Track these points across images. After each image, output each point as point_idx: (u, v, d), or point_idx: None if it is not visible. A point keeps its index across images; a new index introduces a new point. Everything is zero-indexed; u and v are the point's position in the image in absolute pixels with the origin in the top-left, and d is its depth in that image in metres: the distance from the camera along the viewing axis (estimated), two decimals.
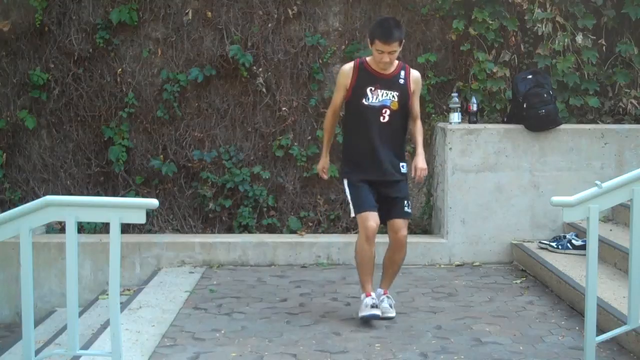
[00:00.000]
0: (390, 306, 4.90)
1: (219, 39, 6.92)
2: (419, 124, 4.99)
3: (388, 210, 4.84)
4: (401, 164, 4.87)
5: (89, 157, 7.02)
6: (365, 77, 4.74)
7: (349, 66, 4.84)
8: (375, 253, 4.85)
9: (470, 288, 5.64)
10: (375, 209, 4.76)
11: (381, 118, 4.73)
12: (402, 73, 4.79)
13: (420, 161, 4.89)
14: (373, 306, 4.70)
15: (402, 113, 4.81)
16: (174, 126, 6.98)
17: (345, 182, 4.87)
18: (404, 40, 4.73)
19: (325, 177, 5.14)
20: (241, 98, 6.96)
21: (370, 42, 4.68)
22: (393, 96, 4.73)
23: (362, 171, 4.80)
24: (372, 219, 4.72)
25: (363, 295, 4.81)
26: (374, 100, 4.72)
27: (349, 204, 4.86)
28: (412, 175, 4.87)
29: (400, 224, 4.83)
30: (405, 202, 4.86)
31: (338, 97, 4.89)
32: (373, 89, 4.72)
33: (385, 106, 4.72)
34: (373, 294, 4.79)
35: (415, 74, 4.86)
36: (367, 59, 4.81)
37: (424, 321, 4.82)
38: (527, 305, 5.15)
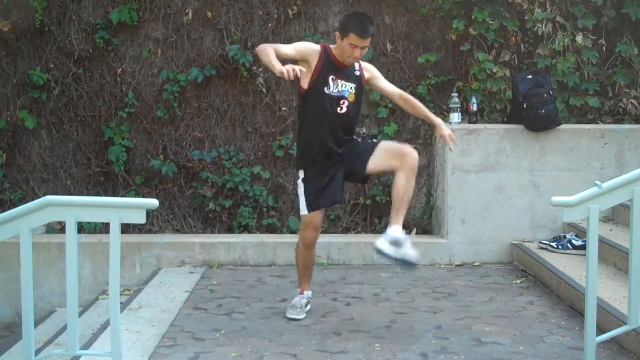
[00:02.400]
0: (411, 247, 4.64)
1: (219, 39, 6.93)
2: (409, 97, 4.90)
3: (357, 159, 4.69)
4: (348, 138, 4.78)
5: (89, 157, 7.02)
6: (329, 65, 4.64)
7: (316, 47, 4.67)
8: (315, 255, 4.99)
9: (470, 288, 5.64)
10: (323, 202, 4.71)
11: (338, 109, 4.66)
12: (357, 65, 4.75)
13: (444, 128, 4.80)
14: (296, 307, 4.87)
15: (357, 104, 4.76)
16: (174, 126, 6.98)
17: (301, 173, 4.76)
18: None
19: (291, 75, 4.33)
20: (241, 98, 6.96)
21: (343, 34, 4.55)
22: (351, 87, 4.69)
23: (316, 163, 4.70)
24: (314, 225, 4.72)
25: (299, 292, 5.00)
26: (334, 90, 4.64)
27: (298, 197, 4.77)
28: (440, 142, 4.71)
29: (389, 146, 4.70)
30: (369, 141, 4.77)
31: (288, 53, 4.60)
32: (334, 77, 4.65)
33: (343, 97, 4.66)
34: (306, 293, 4.98)
35: (365, 64, 4.83)
36: (331, 46, 4.70)
37: (424, 321, 4.82)
38: (527, 305, 5.15)
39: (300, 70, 4.37)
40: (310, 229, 4.75)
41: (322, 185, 4.72)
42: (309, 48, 4.70)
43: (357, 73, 4.75)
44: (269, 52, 4.51)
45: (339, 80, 4.66)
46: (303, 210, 4.75)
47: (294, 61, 4.63)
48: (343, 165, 4.76)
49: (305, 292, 4.99)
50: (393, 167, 4.63)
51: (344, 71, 4.68)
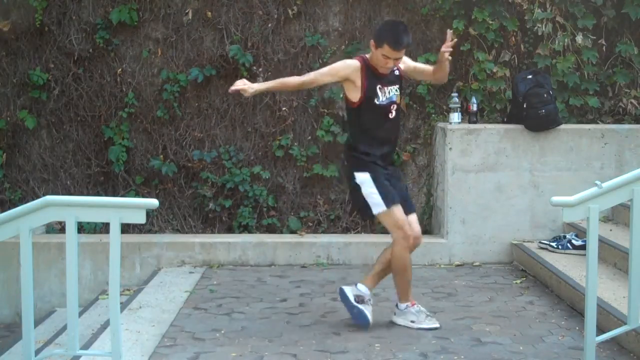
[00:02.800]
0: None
1: (219, 39, 6.93)
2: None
3: (402, 202, 4.67)
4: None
5: (89, 157, 7.02)
6: (372, 77, 4.61)
7: (355, 64, 4.62)
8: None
9: (470, 288, 5.64)
10: (397, 201, 4.59)
11: (390, 115, 4.66)
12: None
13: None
14: (429, 315, 4.70)
15: (400, 102, 4.79)
16: (174, 126, 6.98)
17: (368, 175, 4.58)
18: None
19: (234, 89, 4.51)
20: (241, 98, 6.95)
21: (378, 45, 4.52)
22: (396, 90, 4.69)
23: (381, 165, 4.65)
24: (408, 222, 4.60)
25: (407, 305, 4.74)
26: (383, 99, 4.63)
27: (365, 202, 4.58)
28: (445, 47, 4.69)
29: (415, 223, 4.72)
30: (409, 194, 4.79)
31: (326, 80, 4.71)
32: (381, 87, 4.63)
33: (392, 102, 4.66)
34: (416, 303, 4.77)
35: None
36: (367, 56, 4.68)
37: None
38: (527, 305, 5.15)
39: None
40: (405, 224, 4.57)
41: (388, 183, 4.64)
42: (347, 67, 4.62)
43: (397, 72, 4.73)
44: (282, 79, 4.75)
45: (385, 88, 4.64)
46: (379, 206, 4.54)
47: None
48: (402, 189, 4.78)
49: (415, 303, 4.76)
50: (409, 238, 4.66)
51: (386, 77, 4.65)
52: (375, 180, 4.57)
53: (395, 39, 4.50)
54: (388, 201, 4.55)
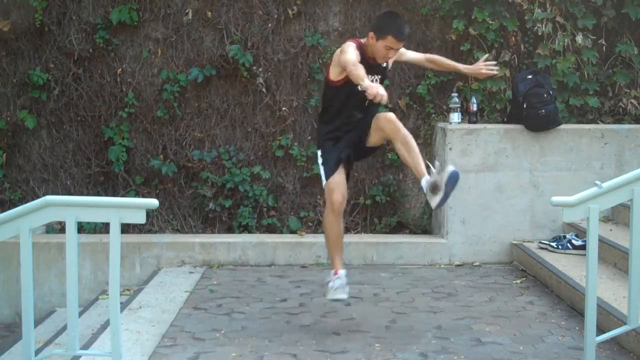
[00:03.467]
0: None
1: (219, 39, 6.93)
2: (434, 56, 5.07)
3: (365, 128, 4.78)
4: None
5: (89, 157, 7.02)
6: (363, 61, 4.64)
7: (353, 44, 4.67)
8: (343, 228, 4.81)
9: (470, 288, 5.64)
10: (342, 165, 4.73)
11: (366, 102, 4.65)
12: None
13: (473, 67, 5.10)
14: (338, 288, 4.67)
15: None
16: (174, 126, 6.98)
17: (319, 152, 4.84)
18: None
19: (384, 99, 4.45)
20: (241, 98, 6.96)
21: (379, 36, 4.59)
22: (376, 79, 4.75)
23: (334, 127, 4.81)
24: (338, 188, 4.66)
25: (332, 274, 4.74)
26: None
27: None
28: (482, 69, 4.96)
29: (387, 118, 4.71)
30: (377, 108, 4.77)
31: (354, 56, 4.58)
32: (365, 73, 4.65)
33: None
34: (341, 272, 4.72)
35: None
36: (362, 41, 4.75)
37: (424, 321, 4.82)
38: (527, 305, 5.15)
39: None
40: (336, 192, 4.66)
41: (337, 150, 4.77)
42: (353, 48, 4.64)
43: (384, 64, 4.81)
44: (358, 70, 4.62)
45: (369, 76, 4.62)
46: (324, 178, 4.75)
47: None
48: (355, 132, 4.82)
49: (339, 272, 4.72)
50: (384, 137, 4.83)
51: (374, 65, 4.74)
52: (322, 155, 4.83)
53: (399, 30, 4.63)
54: (327, 175, 4.74)
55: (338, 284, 4.68)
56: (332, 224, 4.72)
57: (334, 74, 4.75)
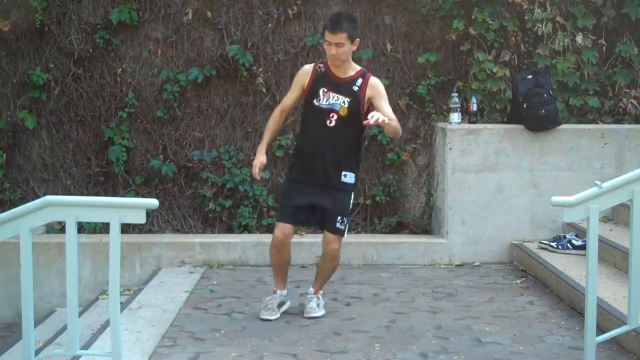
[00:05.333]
0: (318, 306, 4.94)
1: (219, 39, 6.93)
2: (396, 123, 4.74)
3: (322, 220, 4.80)
4: (344, 173, 4.72)
5: (89, 157, 7.02)
6: (322, 78, 4.69)
7: (309, 66, 4.83)
8: (290, 256, 4.94)
9: (470, 288, 5.64)
10: (293, 219, 4.78)
11: (328, 122, 4.64)
12: (360, 81, 4.70)
13: (380, 116, 4.47)
14: (269, 308, 4.88)
15: (352, 121, 4.66)
16: (174, 126, 6.98)
17: (283, 182, 5.01)
18: (357, 38, 4.64)
19: (258, 177, 4.88)
20: (241, 98, 6.96)
21: (322, 34, 4.73)
22: (344, 102, 4.65)
23: (302, 172, 4.78)
24: (282, 231, 4.77)
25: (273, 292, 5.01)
26: (323, 102, 4.66)
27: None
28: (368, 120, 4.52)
29: (330, 238, 4.79)
30: (339, 217, 4.73)
31: (291, 96, 4.88)
32: (326, 90, 4.67)
33: (333, 110, 4.65)
34: (279, 292, 4.96)
35: (373, 81, 4.72)
36: (328, 60, 4.73)
37: (424, 321, 4.82)
38: (527, 305, 5.15)
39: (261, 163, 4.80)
40: (278, 230, 4.81)
41: (297, 200, 4.76)
42: (300, 75, 4.84)
43: (356, 88, 4.68)
44: (266, 126, 4.94)
45: (330, 93, 4.66)
46: (276, 216, 4.93)
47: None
48: (317, 205, 4.75)
49: (278, 292, 4.98)
50: (322, 244, 4.91)
51: (340, 85, 4.67)
52: (283, 191, 5.01)
53: (330, 21, 4.63)
54: (280, 216, 4.86)
55: (270, 304, 4.91)
56: (271, 254, 4.92)
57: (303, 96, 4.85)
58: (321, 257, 5.01)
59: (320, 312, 4.92)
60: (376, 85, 4.74)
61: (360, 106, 4.68)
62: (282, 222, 4.79)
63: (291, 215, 4.77)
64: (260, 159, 4.81)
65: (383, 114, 4.54)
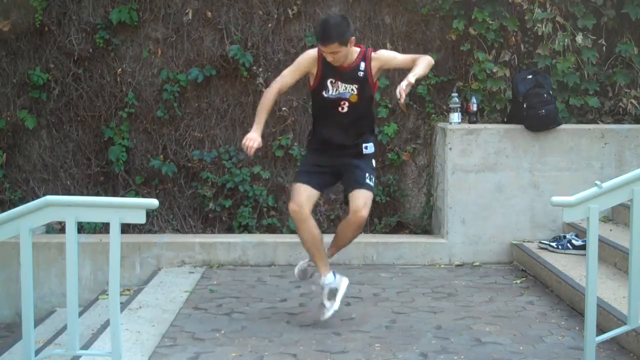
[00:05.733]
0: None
1: (219, 39, 6.93)
2: (418, 57, 4.69)
3: (347, 180, 4.72)
4: (364, 145, 4.76)
5: (89, 157, 7.02)
6: (328, 69, 4.65)
7: (313, 52, 4.72)
8: (317, 228, 4.72)
9: (470, 288, 5.64)
10: (312, 184, 4.66)
11: (340, 109, 4.67)
12: (362, 65, 4.67)
13: (404, 81, 4.42)
14: (321, 306, 4.70)
15: (364, 103, 4.71)
16: (174, 126, 6.98)
17: (305, 150, 4.94)
18: (350, 39, 4.56)
19: (251, 152, 4.61)
20: (241, 98, 6.96)
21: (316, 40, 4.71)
22: (352, 89, 4.67)
23: (319, 154, 4.78)
24: (296, 201, 4.64)
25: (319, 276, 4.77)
26: (333, 93, 4.67)
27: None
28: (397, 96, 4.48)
29: (359, 197, 4.59)
30: (366, 174, 4.66)
31: (292, 77, 4.75)
32: (333, 81, 4.66)
33: (343, 99, 4.66)
34: (323, 281, 4.71)
35: (374, 55, 4.71)
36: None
37: (424, 321, 4.82)
38: (527, 306, 5.15)
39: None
40: (293, 200, 4.69)
41: (314, 168, 4.76)
42: (304, 59, 4.74)
43: (362, 74, 4.68)
44: (261, 106, 4.74)
45: (338, 83, 4.66)
46: (293, 179, 4.83)
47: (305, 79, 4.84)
48: (340, 172, 4.76)
49: (322, 280, 4.71)
50: (349, 213, 4.70)
51: (345, 73, 4.66)
52: (302, 160, 5.07)
53: (318, 35, 4.61)
54: (296, 178, 4.82)
55: (327, 290, 4.70)
56: (298, 230, 4.75)
57: (310, 80, 4.77)
58: (345, 223, 4.78)
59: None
60: (378, 56, 4.74)
61: (369, 87, 4.71)
62: (297, 182, 4.71)
63: (310, 178, 4.69)
64: (256, 136, 4.59)
65: (405, 64, 4.70)
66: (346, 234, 4.80)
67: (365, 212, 4.60)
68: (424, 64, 4.63)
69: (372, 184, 4.68)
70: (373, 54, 4.74)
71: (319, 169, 4.75)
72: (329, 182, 4.84)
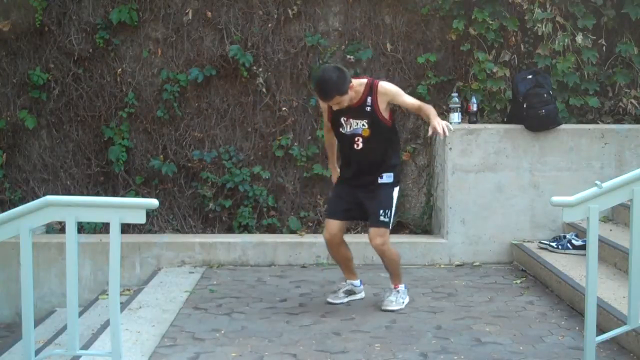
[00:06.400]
0: (396, 300, 5.07)
1: (219, 39, 6.93)
2: (424, 106, 4.89)
3: (367, 212, 4.99)
4: (382, 175, 4.93)
5: (89, 157, 7.02)
6: (346, 108, 4.82)
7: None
8: (348, 250, 5.16)
9: (470, 288, 5.64)
10: (338, 217, 5.00)
11: (355, 146, 4.87)
12: (369, 99, 4.80)
13: (433, 122, 4.65)
14: (334, 292, 5.27)
15: (377, 137, 4.86)
16: (174, 126, 6.98)
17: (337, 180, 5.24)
18: (348, 87, 4.68)
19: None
20: (241, 98, 6.96)
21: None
22: (363, 124, 4.84)
23: (342, 186, 5.08)
24: (328, 230, 5.02)
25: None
26: (348, 129, 4.88)
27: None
28: (430, 134, 4.71)
29: (373, 233, 4.91)
30: (381, 210, 4.89)
31: (326, 117, 5.04)
32: (346, 118, 4.86)
33: (356, 134, 4.86)
34: (349, 281, 5.27)
35: (380, 88, 4.81)
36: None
37: (424, 321, 4.82)
38: (527, 305, 5.15)
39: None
40: (326, 230, 5.06)
41: (338, 200, 5.07)
42: (321, 102, 5.02)
43: (369, 109, 4.81)
44: (328, 153, 5.33)
45: (351, 120, 4.85)
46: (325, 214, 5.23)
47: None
48: (361, 202, 4.97)
49: (348, 280, 5.27)
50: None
51: (355, 110, 4.82)
52: (333, 189, 5.31)
53: (319, 94, 4.82)
54: (327, 213, 5.18)
55: (337, 288, 5.33)
56: (331, 253, 5.23)
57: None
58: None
59: (396, 307, 5.03)
60: (385, 91, 4.85)
61: (379, 120, 4.85)
62: (327, 217, 5.09)
63: (336, 211, 5.02)
64: (334, 176, 5.26)
65: (408, 106, 4.99)
66: (384, 263, 5.14)
67: (379, 240, 4.91)
68: (427, 111, 4.82)
69: (386, 219, 4.92)
70: (380, 87, 4.84)
71: (342, 200, 5.04)
72: (353, 209, 5.04)
